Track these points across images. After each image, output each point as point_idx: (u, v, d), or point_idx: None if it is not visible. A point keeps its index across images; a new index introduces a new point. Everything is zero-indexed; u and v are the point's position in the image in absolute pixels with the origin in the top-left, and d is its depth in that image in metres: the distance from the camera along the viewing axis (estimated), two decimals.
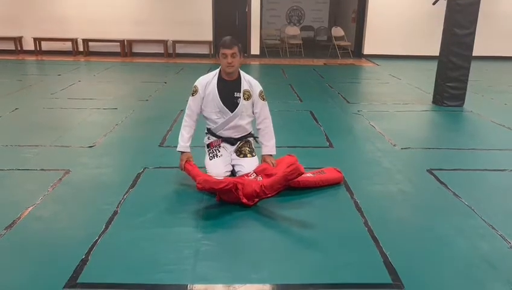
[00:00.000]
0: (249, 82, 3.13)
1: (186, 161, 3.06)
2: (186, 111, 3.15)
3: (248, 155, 3.17)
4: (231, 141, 3.20)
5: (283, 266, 2.17)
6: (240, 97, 3.09)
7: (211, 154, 3.17)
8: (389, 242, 2.38)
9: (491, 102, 6.24)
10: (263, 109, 3.18)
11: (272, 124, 3.23)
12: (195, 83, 3.14)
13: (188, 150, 3.13)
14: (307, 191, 3.01)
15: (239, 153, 3.18)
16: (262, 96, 3.16)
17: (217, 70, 3.14)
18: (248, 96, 3.10)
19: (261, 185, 2.75)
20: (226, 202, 2.78)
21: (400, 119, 5.20)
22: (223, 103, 3.07)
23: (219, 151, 3.17)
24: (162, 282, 2.01)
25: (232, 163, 3.17)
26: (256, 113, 3.18)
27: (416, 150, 4.02)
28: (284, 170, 2.73)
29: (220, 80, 3.09)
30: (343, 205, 2.84)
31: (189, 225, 2.53)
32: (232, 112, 3.09)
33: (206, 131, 3.30)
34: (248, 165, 3.10)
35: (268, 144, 3.20)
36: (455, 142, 4.32)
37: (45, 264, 2.14)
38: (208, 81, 3.10)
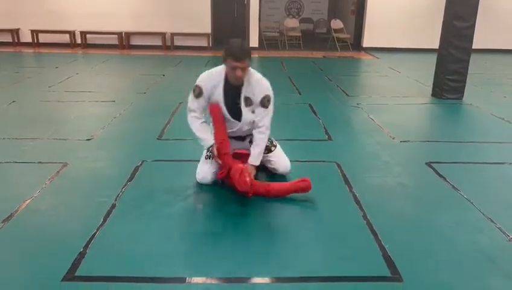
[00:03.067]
0: (253, 86, 2.78)
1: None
2: (192, 114, 2.86)
3: (272, 148, 3.04)
4: (240, 138, 3.00)
5: (282, 259, 2.16)
6: (240, 104, 2.80)
7: (209, 152, 2.93)
8: (387, 235, 2.38)
9: (490, 95, 6.23)
10: (263, 118, 2.81)
11: (268, 133, 2.87)
12: (199, 83, 2.81)
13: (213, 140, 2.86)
14: None
15: None
16: (264, 102, 2.79)
17: (223, 72, 2.78)
18: (249, 103, 2.81)
19: (267, 190, 2.76)
20: (225, 183, 2.82)
21: (399, 112, 5.18)
22: (228, 112, 2.83)
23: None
24: (161, 275, 2.01)
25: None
26: (254, 121, 2.84)
27: (415, 143, 4.01)
28: (296, 183, 2.78)
29: (226, 84, 2.78)
30: (342, 198, 2.83)
31: (188, 218, 2.53)
32: (236, 120, 2.85)
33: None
34: (278, 158, 3.04)
35: (253, 152, 2.84)
36: (454, 135, 4.31)
37: (43, 257, 2.13)
38: (213, 85, 2.79)
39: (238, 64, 2.63)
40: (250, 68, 2.76)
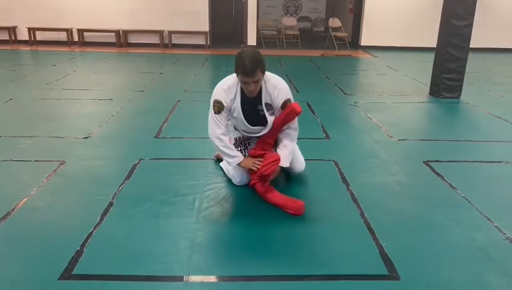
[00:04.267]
0: (270, 93, 2.70)
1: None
2: (216, 132, 2.68)
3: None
4: (256, 138, 2.94)
5: (279, 258, 2.16)
6: (263, 110, 2.74)
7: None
8: (385, 233, 2.38)
9: (487, 94, 6.24)
10: None
11: (296, 135, 2.84)
12: (217, 98, 2.66)
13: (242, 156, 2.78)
14: (301, 184, 3.00)
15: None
16: (287, 106, 2.72)
17: (237, 83, 2.67)
18: (270, 108, 2.75)
19: (264, 191, 2.72)
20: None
21: (396, 110, 5.19)
22: (248, 122, 2.77)
23: (246, 152, 2.92)
24: (158, 273, 2.00)
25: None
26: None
27: (413, 142, 4.02)
28: (289, 200, 2.65)
29: (244, 95, 2.69)
30: (339, 197, 2.83)
31: (185, 217, 2.52)
32: (258, 126, 2.81)
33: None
34: (295, 158, 2.93)
35: (282, 153, 2.77)
36: (452, 134, 4.32)
37: (40, 256, 2.13)
38: (231, 99, 2.68)
39: (249, 80, 2.52)
40: (266, 74, 2.66)
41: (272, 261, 2.14)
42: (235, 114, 2.76)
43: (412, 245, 2.30)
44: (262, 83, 2.66)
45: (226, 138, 2.74)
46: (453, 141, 4.07)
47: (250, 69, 2.49)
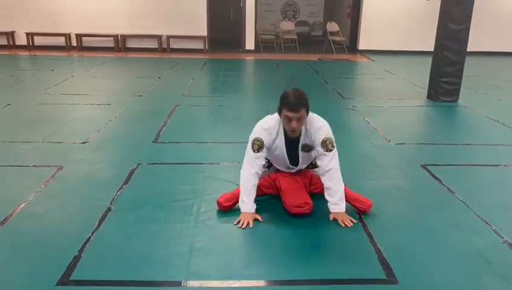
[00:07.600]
0: (312, 133, 2.62)
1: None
2: (250, 170, 2.60)
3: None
4: (300, 170, 2.87)
5: (277, 262, 2.16)
6: (298, 151, 2.70)
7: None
8: (383, 237, 2.38)
9: (485, 97, 6.26)
10: (330, 161, 2.62)
11: (339, 175, 2.65)
12: (258, 136, 2.60)
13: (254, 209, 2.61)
14: None
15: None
16: (326, 146, 2.60)
17: (279, 123, 2.62)
18: (308, 149, 2.68)
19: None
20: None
21: (394, 114, 5.20)
22: (290, 162, 2.74)
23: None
24: (156, 279, 2.00)
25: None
26: (319, 166, 2.69)
27: (411, 146, 4.02)
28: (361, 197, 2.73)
29: (287, 136, 2.64)
30: None
31: (183, 221, 2.52)
32: (294, 165, 2.77)
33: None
34: None
35: (331, 199, 2.62)
36: (449, 138, 4.33)
37: (38, 262, 2.12)
38: (273, 138, 2.63)
39: (293, 115, 2.48)
40: (310, 115, 2.62)
41: (270, 265, 2.13)
42: (276, 152, 2.68)
43: (410, 249, 2.30)
44: (304, 124, 2.59)
45: (255, 181, 2.62)
46: (450, 144, 4.08)
47: (294, 104, 2.46)
